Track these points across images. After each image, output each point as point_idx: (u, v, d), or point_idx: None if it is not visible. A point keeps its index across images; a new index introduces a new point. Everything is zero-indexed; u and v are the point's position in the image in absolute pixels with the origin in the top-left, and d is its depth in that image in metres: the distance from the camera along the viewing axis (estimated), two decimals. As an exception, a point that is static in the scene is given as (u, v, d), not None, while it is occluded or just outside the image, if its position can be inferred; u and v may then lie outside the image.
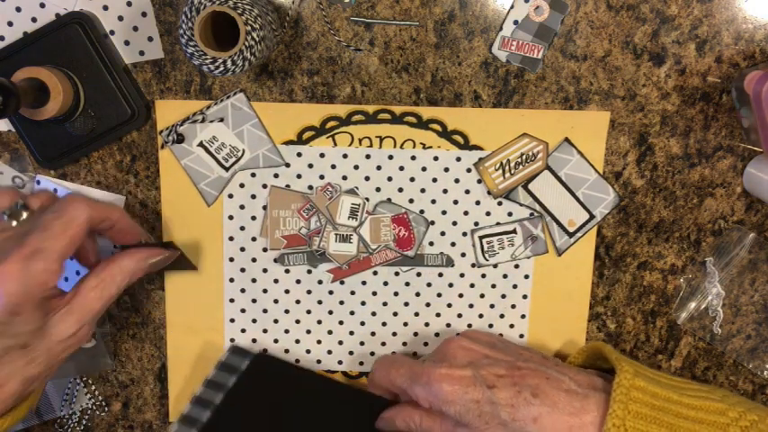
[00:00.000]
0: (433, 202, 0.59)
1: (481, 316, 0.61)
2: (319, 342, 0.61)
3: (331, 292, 0.60)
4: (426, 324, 0.61)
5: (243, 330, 0.61)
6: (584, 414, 0.49)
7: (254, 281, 0.60)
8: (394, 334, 0.61)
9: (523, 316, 0.61)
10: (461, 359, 0.53)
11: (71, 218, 0.45)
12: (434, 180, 0.58)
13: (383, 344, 0.61)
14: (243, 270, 0.60)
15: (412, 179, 0.58)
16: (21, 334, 0.43)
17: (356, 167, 0.58)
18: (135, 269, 0.49)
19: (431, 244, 0.60)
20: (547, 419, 0.49)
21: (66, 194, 0.49)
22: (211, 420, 0.55)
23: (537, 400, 0.49)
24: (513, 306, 0.61)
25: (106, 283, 0.47)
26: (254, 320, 0.61)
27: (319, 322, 0.61)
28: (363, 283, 0.60)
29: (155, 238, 0.58)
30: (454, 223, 0.59)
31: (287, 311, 0.61)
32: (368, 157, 0.58)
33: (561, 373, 0.52)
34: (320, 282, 0.60)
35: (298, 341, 0.61)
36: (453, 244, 0.60)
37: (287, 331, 0.61)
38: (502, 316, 0.61)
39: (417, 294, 0.61)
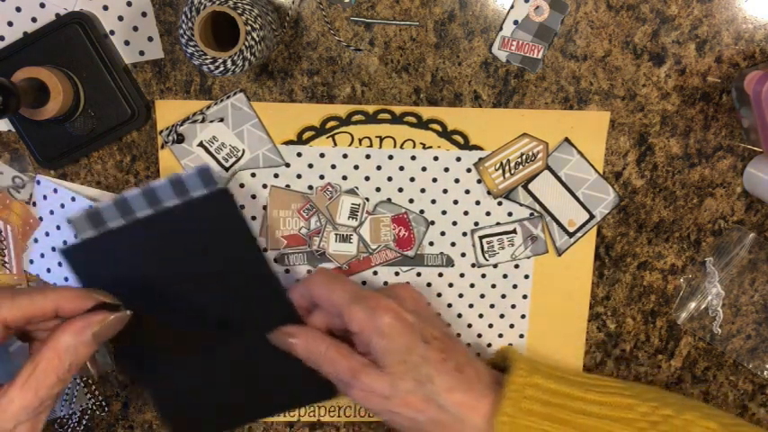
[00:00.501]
0: (433, 202, 0.59)
1: (481, 316, 0.61)
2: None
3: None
4: (426, 324, 0.61)
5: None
6: (486, 405, 0.49)
7: (254, 281, 0.60)
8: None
9: (523, 316, 0.61)
10: (409, 305, 0.52)
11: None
12: (434, 180, 0.58)
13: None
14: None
15: (412, 179, 0.58)
16: None
17: (356, 167, 0.58)
18: (77, 345, 0.41)
19: (431, 244, 0.60)
20: (459, 395, 0.49)
21: None
22: (117, 232, 0.51)
23: (457, 375, 0.50)
24: (513, 306, 0.61)
25: (42, 374, 0.40)
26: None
27: (319, 322, 0.61)
28: (363, 283, 0.60)
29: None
30: (454, 223, 0.59)
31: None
32: (368, 157, 0.58)
33: (480, 364, 0.53)
34: (320, 282, 0.60)
35: (298, 341, 0.61)
36: (453, 244, 0.60)
37: (287, 331, 0.61)
38: (502, 316, 0.61)
39: (417, 294, 0.61)
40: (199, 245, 0.54)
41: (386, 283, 0.60)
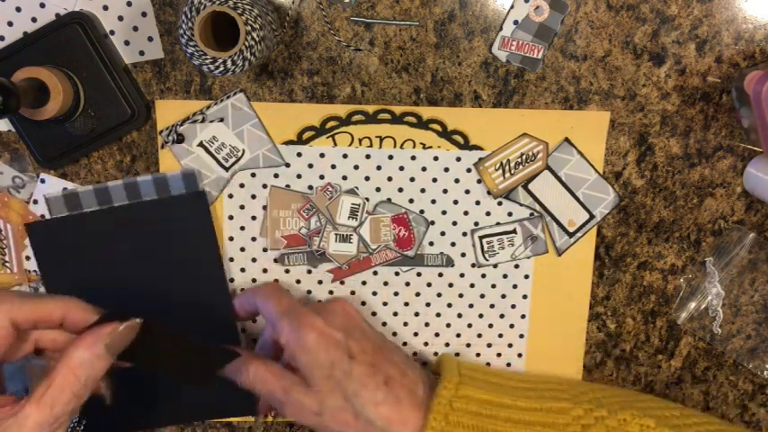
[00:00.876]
0: (433, 202, 0.59)
1: (481, 316, 0.61)
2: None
3: (331, 293, 0.60)
4: (426, 324, 0.61)
5: (243, 330, 0.61)
6: (416, 419, 0.50)
7: (254, 281, 0.60)
8: (394, 334, 0.61)
9: (523, 316, 0.61)
10: (339, 321, 0.53)
11: None
12: (434, 180, 0.58)
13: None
14: (243, 270, 0.60)
15: (412, 179, 0.58)
16: None
17: (356, 167, 0.58)
18: (91, 360, 0.40)
19: (431, 244, 0.60)
20: (386, 409, 0.49)
21: None
22: (88, 216, 0.57)
23: (385, 389, 0.50)
24: (513, 306, 0.61)
25: (58, 390, 0.39)
26: (254, 320, 0.61)
27: (319, 322, 0.61)
28: (363, 283, 0.60)
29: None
30: (454, 223, 0.59)
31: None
32: (368, 157, 0.58)
33: (417, 376, 0.52)
34: (320, 282, 0.60)
35: (298, 341, 0.61)
36: (453, 244, 0.60)
37: (287, 331, 0.61)
38: (502, 316, 0.61)
39: (417, 294, 0.61)
40: (164, 238, 0.58)
41: (386, 283, 0.60)
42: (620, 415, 0.50)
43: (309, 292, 0.60)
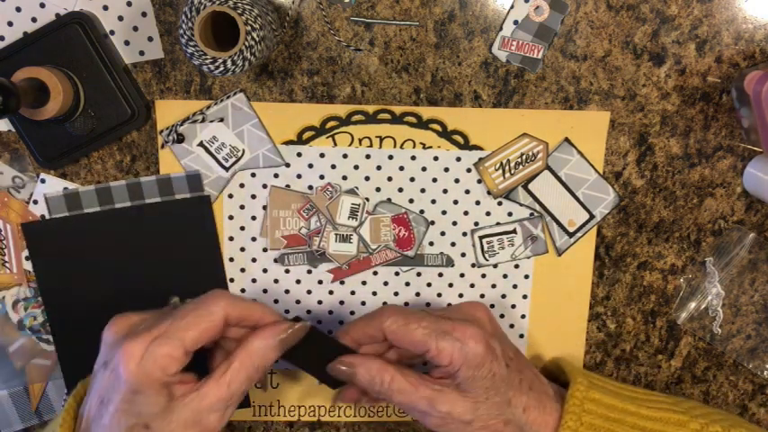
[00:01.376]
0: (433, 202, 0.59)
1: (481, 316, 0.61)
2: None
3: (331, 292, 0.60)
4: (426, 324, 0.61)
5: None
6: (553, 420, 0.50)
7: (254, 281, 0.60)
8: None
9: (523, 316, 0.61)
10: (489, 328, 0.51)
11: (207, 312, 0.45)
12: (434, 180, 0.58)
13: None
14: (243, 270, 0.60)
15: (412, 179, 0.58)
16: (143, 414, 0.43)
17: (356, 167, 0.58)
18: (265, 349, 0.45)
19: (431, 244, 0.60)
20: (533, 413, 0.49)
21: (213, 290, 0.46)
22: (88, 216, 0.57)
23: (532, 393, 0.50)
24: (513, 306, 0.61)
25: (235, 371, 0.45)
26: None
27: (319, 322, 0.61)
28: (363, 283, 0.60)
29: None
30: (454, 223, 0.59)
31: (287, 311, 0.61)
32: (368, 157, 0.58)
33: (541, 376, 0.52)
34: (320, 282, 0.60)
35: (298, 341, 0.61)
36: (453, 244, 0.60)
37: (287, 331, 0.61)
38: (502, 316, 0.61)
39: (417, 294, 0.60)
40: (165, 241, 0.58)
41: (386, 283, 0.60)
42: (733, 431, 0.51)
43: (309, 292, 0.60)
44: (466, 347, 0.47)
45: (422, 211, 0.59)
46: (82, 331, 0.59)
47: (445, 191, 0.59)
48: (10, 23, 0.55)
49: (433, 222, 0.59)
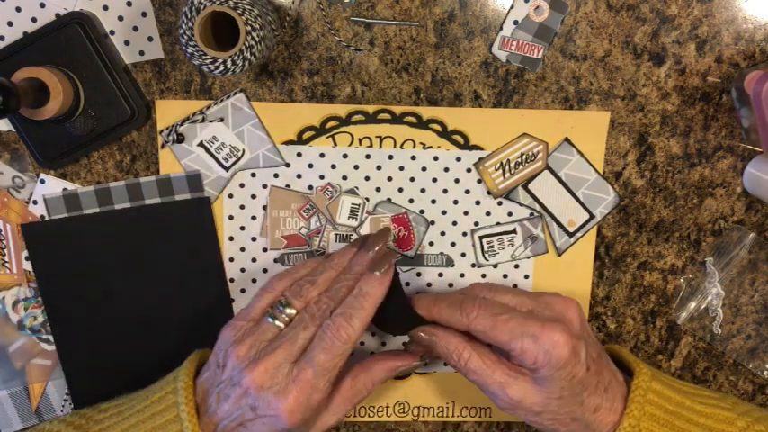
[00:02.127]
0: (433, 202, 0.59)
1: (481, 316, 0.61)
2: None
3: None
4: (426, 324, 0.61)
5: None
6: (617, 411, 0.50)
7: (254, 281, 0.60)
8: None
9: (523, 316, 0.61)
10: (577, 327, 0.50)
11: (343, 349, 0.48)
12: (434, 180, 0.58)
13: (383, 344, 0.61)
14: (243, 270, 0.60)
15: (412, 179, 0.58)
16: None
17: (356, 167, 0.58)
18: (384, 378, 0.52)
19: (431, 244, 0.60)
20: (602, 413, 0.50)
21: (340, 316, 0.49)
22: (89, 217, 0.57)
23: (606, 395, 0.50)
24: (513, 306, 0.61)
25: (357, 391, 0.51)
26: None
27: (319, 322, 0.61)
28: (363, 283, 0.60)
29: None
30: (454, 223, 0.59)
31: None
32: (368, 157, 0.58)
33: (615, 370, 0.52)
34: (320, 282, 0.60)
35: (298, 341, 0.61)
36: (453, 244, 0.60)
37: (287, 331, 0.61)
38: (502, 316, 0.61)
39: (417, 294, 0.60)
40: (165, 242, 0.58)
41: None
42: None
43: (309, 292, 0.60)
44: (551, 352, 0.47)
45: (422, 211, 0.59)
46: (82, 332, 0.59)
47: (445, 191, 0.59)
48: (10, 23, 0.55)
49: (433, 222, 0.59)
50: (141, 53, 0.56)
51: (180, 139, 0.57)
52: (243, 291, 0.60)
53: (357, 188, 0.58)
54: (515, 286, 0.60)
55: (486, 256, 0.60)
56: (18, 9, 0.55)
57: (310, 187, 0.58)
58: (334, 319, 0.48)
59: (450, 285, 0.60)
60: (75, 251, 0.58)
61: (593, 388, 0.49)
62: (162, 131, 0.57)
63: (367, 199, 0.59)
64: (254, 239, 0.59)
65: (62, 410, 0.61)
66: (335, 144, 0.58)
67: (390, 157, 0.58)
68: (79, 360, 0.60)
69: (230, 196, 0.58)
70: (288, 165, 0.58)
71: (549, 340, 0.47)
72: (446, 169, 0.58)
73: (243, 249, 0.59)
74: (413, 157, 0.58)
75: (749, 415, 0.52)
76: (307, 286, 0.51)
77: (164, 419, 0.48)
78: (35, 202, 0.58)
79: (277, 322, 0.50)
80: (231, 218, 0.59)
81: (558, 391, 0.48)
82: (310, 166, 0.58)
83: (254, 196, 0.58)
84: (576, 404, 0.49)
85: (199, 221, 0.58)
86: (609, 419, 0.50)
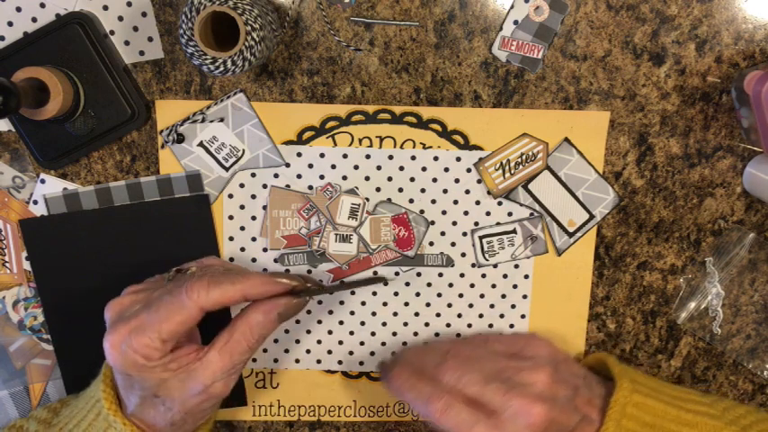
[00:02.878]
0: (433, 202, 0.59)
1: (481, 316, 0.61)
2: (319, 342, 0.61)
3: (331, 293, 0.60)
4: (426, 324, 0.61)
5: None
6: (596, 422, 0.50)
7: (254, 281, 0.60)
8: (394, 334, 0.61)
9: (523, 316, 0.61)
10: (549, 371, 0.49)
11: (180, 305, 0.46)
12: (434, 180, 0.58)
13: (383, 344, 0.61)
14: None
15: (412, 179, 0.58)
16: (145, 387, 0.47)
17: (356, 167, 0.58)
18: (265, 322, 0.48)
19: (431, 244, 0.60)
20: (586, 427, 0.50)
21: (200, 269, 0.48)
22: (88, 214, 0.57)
23: (577, 411, 0.50)
24: (513, 306, 0.61)
25: (236, 342, 0.48)
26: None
27: (319, 322, 0.61)
28: (363, 283, 0.60)
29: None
30: (454, 223, 0.59)
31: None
32: (368, 157, 0.58)
33: (595, 385, 0.52)
34: (320, 282, 0.60)
35: (298, 341, 0.61)
36: (453, 244, 0.60)
37: (287, 331, 0.61)
38: (502, 316, 0.61)
39: (417, 294, 0.60)
40: (164, 239, 0.58)
41: (386, 283, 0.60)
42: None
43: (309, 292, 0.60)
44: (527, 416, 0.47)
45: (422, 211, 0.59)
46: (80, 330, 0.59)
47: (445, 191, 0.59)
48: (10, 23, 0.55)
49: (433, 222, 0.59)
50: (141, 53, 0.56)
51: (180, 139, 0.57)
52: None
53: (357, 188, 0.58)
54: (515, 287, 0.60)
55: (486, 256, 0.60)
56: (18, 9, 0.55)
57: (310, 187, 0.58)
58: (196, 278, 0.47)
59: (451, 285, 0.60)
60: (74, 248, 0.58)
61: (575, 423, 0.49)
62: (162, 131, 0.57)
63: (367, 199, 0.59)
64: (254, 239, 0.59)
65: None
66: (335, 144, 0.58)
67: (390, 157, 0.58)
68: (75, 357, 0.60)
69: (230, 196, 0.58)
70: (288, 165, 0.58)
71: (522, 404, 0.47)
72: (446, 169, 0.58)
73: (243, 249, 0.59)
74: (413, 157, 0.58)
75: (737, 423, 0.52)
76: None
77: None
78: (35, 202, 0.58)
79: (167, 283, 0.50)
80: (231, 218, 0.59)
81: None
82: (310, 166, 0.58)
83: (254, 196, 0.58)
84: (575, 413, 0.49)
85: (198, 218, 0.58)
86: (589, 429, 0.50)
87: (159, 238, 0.58)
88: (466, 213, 0.59)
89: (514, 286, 0.60)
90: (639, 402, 0.51)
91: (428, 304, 0.61)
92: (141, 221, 0.58)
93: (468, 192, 0.59)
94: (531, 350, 0.53)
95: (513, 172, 0.58)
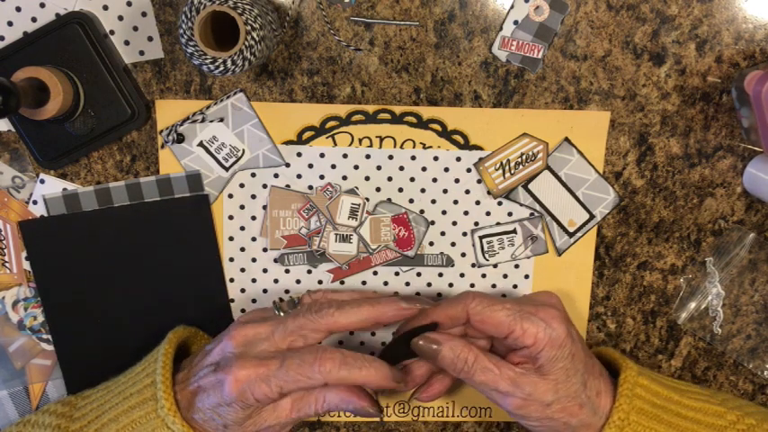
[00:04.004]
0: (433, 202, 0.59)
1: (481, 316, 0.61)
2: (319, 342, 0.61)
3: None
4: (426, 324, 0.61)
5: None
6: (609, 403, 0.51)
7: (254, 281, 0.60)
8: (394, 334, 0.61)
9: (523, 316, 0.61)
10: (562, 313, 0.52)
11: (311, 376, 0.48)
12: (434, 180, 0.58)
13: (383, 343, 0.61)
14: (243, 270, 0.60)
15: (412, 179, 0.58)
16: (227, 418, 0.49)
17: (356, 167, 0.58)
18: (337, 407, 0.50)
19: (431, 244, 0.60)
20: (604, 398, 0.51)
21: (327, 350, 0.49)
22: (88, 215, 0.57)
23: (602, 378, 0.52)
24: (513, 306, 0.61)
25: (306, 405, 0.50)
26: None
27: (319, 322, 0.61)
28: (363, 283, 0.60)
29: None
30: (454, 223, 0.59)
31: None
32: (368, 157, 0.58)
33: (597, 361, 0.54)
34: (320, 282, 0.60)
35: (298, 341, 0.61)
36: (453, 244, 0.60)
37: (287, 331, 0.61)
38: (502, 316, 0.61)
39: (417, 294, 0.60)
40: (164, 240, 0.58)
41: (386, 283, 0.60)
42: (765, 425, 0.52)
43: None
44: (550, 328, 0.49)
45: (422, 211, 0.59)
46: (81, 331, 0.59)
47: (445, 191, 0.59)
48: (10, 23, 0.55)
49: (433, 222, 0.59)
50: (141, 53, 0.56)
51: (180, 139, 0.57)
52: (243, 291, 0.60)
53: (357, 188, 0.58)
54: (515, 287, 0.60)
55: (486, 256, 0.60)
56: (18, 9, 0.55)
57: (310, 187, 0.58)
58: (329, 353, 0.49)
59: (451, 285, 0.60)
60: (74, 249, 0.58)
61: (591, 368, 0.51)
62: (162, 131, 0.57)
63: (367, 199, 0.59)
64: (254, 239, 0.59)
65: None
66: (335, 144, 0.58)
67: (390, 157, 0.58)
68: (76, 357, 0.60)
69: (230, 196, 0.58)
70: (288, 165, 0.58)
71: (546, 317, 0.50)
72: (446, 169, 0.58)
73: (243, 249, 0.59)
74: (413, 157, 0.58)
75: (740, 409, 0.53)
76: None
77: (142, 385, 0.51)
78: (35, 202, 0.58)
79: (281, 313, 0.52)
80: (231, 218, 0.59)
81: (562, 373, 0.49)
82: (310, 166, 0.58)
83: (254, 196, 0.58)
84: (581, 386, 0.50)
85: (198, 219, 0.58)
86: (608, 405, 0.51)
87: (159, 238, 0.58)
88: (466, 213, 0.59)
89: (514, 286, 0.60)
90: (646, 385, 0.52)
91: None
92: (141, 222, 0.58)
93: (468, 192, 0.59)
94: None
95: (513, 172, 0.58)
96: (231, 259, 0.59)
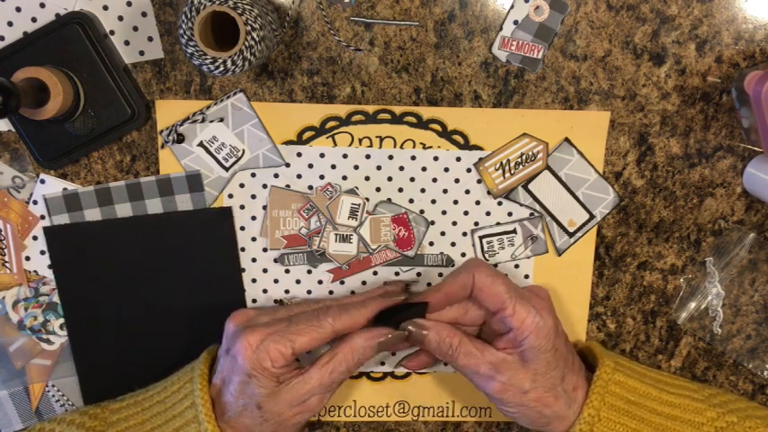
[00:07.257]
0: (433, 202, 0.59)
1: (481, 316, 0.61)
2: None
3: (331, 292, 0.60)
4: (426, 324, 0.61)
5: (243, 330, 0.61)
6: (582, 398, 0.53)
7: (254, 281, 0.60)
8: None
9: (523, 316, 0.61)
10: (554, 310, 0.54)
11: (319, 324, 0.51)
12: (434, 180, 0.58)
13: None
14: (243, 270, 0.60)
15: (412, 179, 0.58)
16: (255, 395, 0.50)
17: (356, 167, 0.58)
18: (365, 348, 0.51)
19: (431, 244, 0.60)
20: (580, 393, 0.53)
21: (330, 306, 0.53)
22: (115, 222, 0.57)
23: (580, 374, 0.53)
24: (513, 306, 0.61)
25: (337, 362, 0.51)
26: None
27: (319, 322, 0.61)
28: (363, 283, 0.60)
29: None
30: (454, 223, 0.59)
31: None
32: (368, 157, 0.58)
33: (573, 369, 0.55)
34: (320, 282, 0.60)
35: (298, 341, 0.61)
36: (453, 244, 0.60)
37: (287, 331, 0.61)
38: (502, 316, 0.61)
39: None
40: (190, 250, 0.58)
41: (386, 283, 0.60)
42: (747, 423, 0.53)
43: (309, 292, 0.60)
44: (539, 316, 0.51)
45: (422, 211, 0.59)
46: (99, 336, 0.59)
47: (445, 191, 0.59)
48: (10, 23, 0.55)
49: (433, 222, 0.59)
50: (141, 53, 0.56)
51: (180, 139, 0.57)
52: (243, 290, 0.60)
53: (357, 188, 0.58)
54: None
55: (486, 256, 0.60)
56: (18, 9, 0.55)
57: (310, 187, 0.58)
58: (325, 307, 0.52)
59: (451, 285, 0.60)
60: (98, 255, 0.58)
61: (570, 364, 0.53)
62: (162, 131, 0.57)
63: (367, 199, 0.59)
64: (254, 239, 0.59)
65: (63, 410, 0.61)
66: (335, 144, 0.58)
67: (390, 157, 0.58)
68: (93, 361, 0.59)
69: (230, 196, 0.58)
70: (288, 165, 0.58)
71: (538, 305, 0.51)
72: (446, 169, 0.58)
73: (243, 249, 0.59)
74: (413, 157, 0.58)
75: (724, 406, 0.54)
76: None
77: (182, 407, 0.52)
78: (35, 202, 0.58)
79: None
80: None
81: (543, 365, 0.51)
82: (310, 166, 0.58)
83: (254, 196, 0.58)
84: (559, 380, 0.52)
85: (221, 231, 0.58)
86: (583, 400, 0.52)
87: (185, 248, 0.58)
88: (466, 213, 0.59)
89: (514, 286, 0.60)
90: (621, 381, 0.53)
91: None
92: (171, 231, 0.58)
93: (468, 192, 0.59)
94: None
95: (513, 172, 0.58)
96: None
